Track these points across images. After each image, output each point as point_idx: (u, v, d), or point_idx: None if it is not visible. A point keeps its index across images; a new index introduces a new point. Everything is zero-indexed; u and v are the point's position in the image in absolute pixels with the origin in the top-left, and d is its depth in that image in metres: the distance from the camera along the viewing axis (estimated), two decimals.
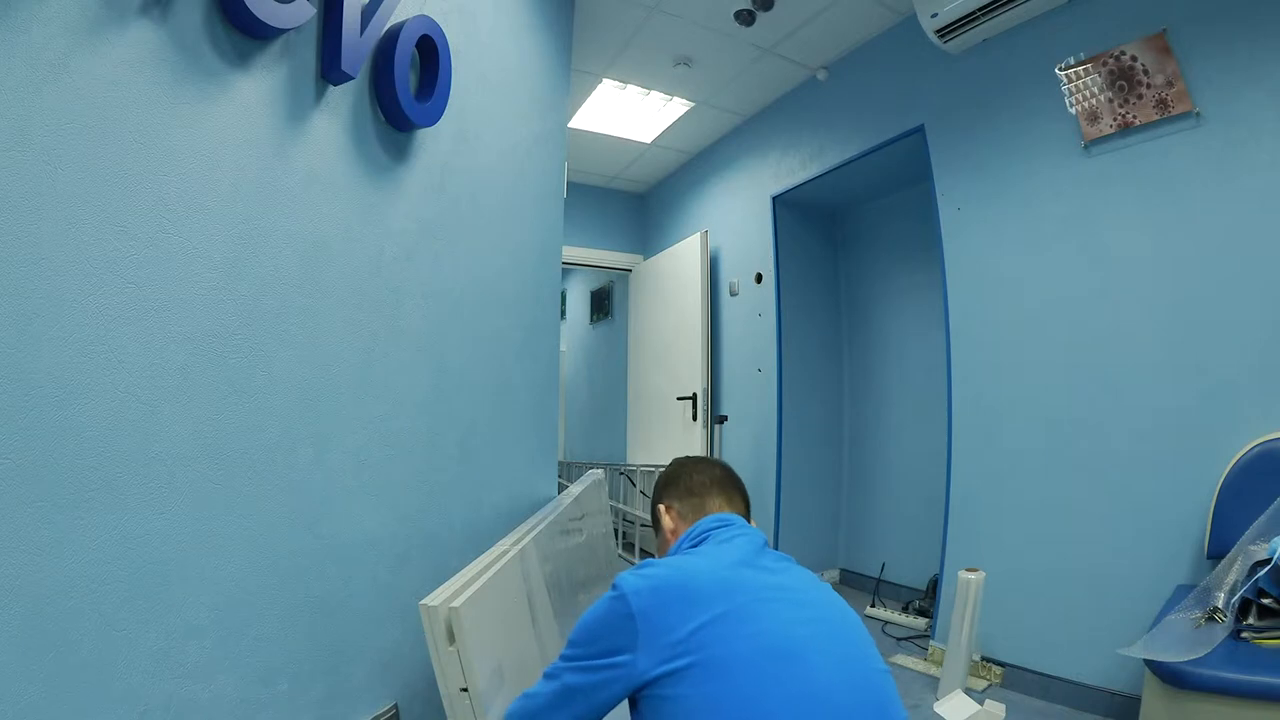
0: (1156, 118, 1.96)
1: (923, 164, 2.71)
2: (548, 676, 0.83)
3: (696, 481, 1.10)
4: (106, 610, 0.85)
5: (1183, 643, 1.39)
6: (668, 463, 1.22)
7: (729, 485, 1.11)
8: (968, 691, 2.16)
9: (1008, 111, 2.39)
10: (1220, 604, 1.47)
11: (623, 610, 0.77)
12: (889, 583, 3.40)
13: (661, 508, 1.11)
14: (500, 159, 1.83)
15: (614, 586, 0.81)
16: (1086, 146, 2.14)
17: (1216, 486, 1.75)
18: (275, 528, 1.11)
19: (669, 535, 1.08)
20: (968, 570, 2.19)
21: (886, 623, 2.98)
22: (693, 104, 3.59)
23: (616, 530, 4.39)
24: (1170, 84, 1.92)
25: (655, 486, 1.18)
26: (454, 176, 1.61)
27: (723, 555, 0.88)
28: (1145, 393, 1.98)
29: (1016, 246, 2.36)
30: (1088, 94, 2.11)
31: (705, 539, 0.97)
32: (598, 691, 0.77)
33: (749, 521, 1.05)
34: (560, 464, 3.69)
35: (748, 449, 3.65)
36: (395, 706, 1.35)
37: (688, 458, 1.20)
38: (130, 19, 0.90)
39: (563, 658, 0.82)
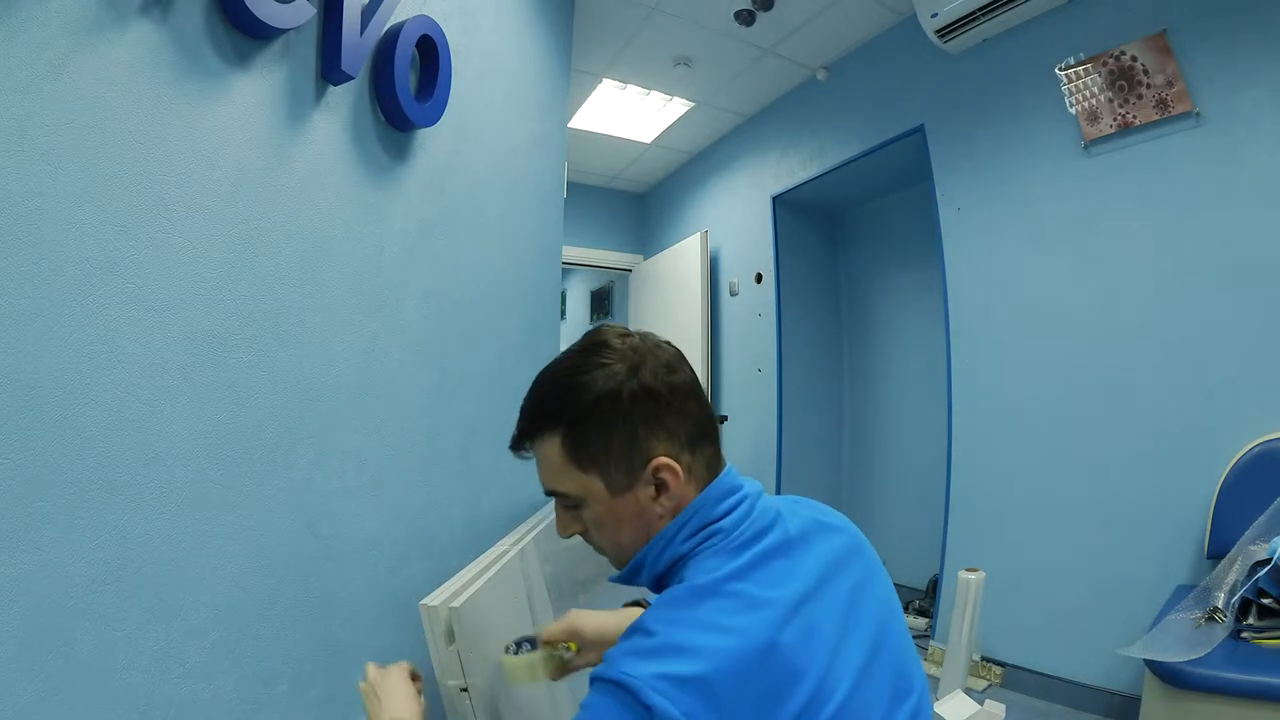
0: (1156, 118, 1.96)
1: (923, 164, 2.71)
2: None
3: (705, 416, 0.67)
4: (106, 610, 0.85)
5: (1183, 643, 1.39)
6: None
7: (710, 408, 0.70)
8: (968, 691, 2.16)
9: (1008, 111, 2.39)
10: (1220, 604, 1.47)
11: None
12: None
13: (667, 463, 0.62)
14: (500, 159, 1.83)
15: (636, 698, 0.49)
16: (1086, 146, 2.14)
17: (1216, 486, 1.75)
18: (275, 528, 1.11)
19: (655, 518, 0.64)
20: (968, 570, 2.19)
21: None
22: (693, 104, 3.59)
23: None
24: (1170, 84, 1.92)
25: (595, 402, 0.64)
26: (454, 176, 1.61)
27: (772, 600, 0.55)
28: (1145, 393, 1.98)
29: (1016, 247, 2.36)
30: (1088, 94, 2.11)
31: (709, 539, 0.62)
32: None
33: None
34: None
35: (748, 449, 3.65)
36: None
37: (627, 335, 0.70)
38: (130, 19, 0.90)
39: None
